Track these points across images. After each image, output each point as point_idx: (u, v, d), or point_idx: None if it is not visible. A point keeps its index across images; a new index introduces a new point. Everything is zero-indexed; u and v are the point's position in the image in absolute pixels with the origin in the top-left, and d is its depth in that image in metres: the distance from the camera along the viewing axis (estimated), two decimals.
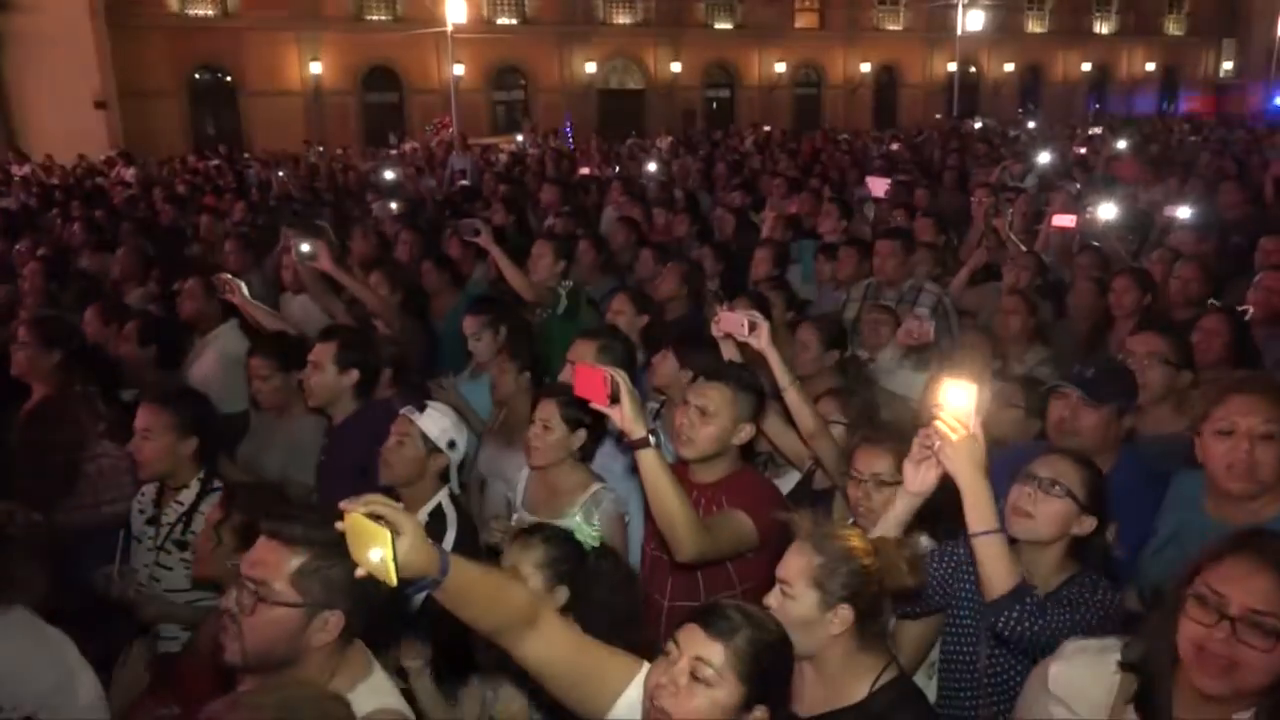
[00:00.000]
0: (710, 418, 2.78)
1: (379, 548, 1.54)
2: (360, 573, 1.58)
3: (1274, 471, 2.37)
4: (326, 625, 1.88)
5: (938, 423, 2.07)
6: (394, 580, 1.55)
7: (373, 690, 1.96)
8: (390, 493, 3.09)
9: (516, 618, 1.81)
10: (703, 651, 1.74)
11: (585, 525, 2.57)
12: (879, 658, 2.09)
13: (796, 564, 2.04)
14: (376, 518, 1.57)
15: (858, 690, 2.05)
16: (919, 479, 2.19)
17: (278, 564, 1.87)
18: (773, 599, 2.05)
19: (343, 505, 1.60)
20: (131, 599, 2.93)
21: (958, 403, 2.04)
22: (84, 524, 3.63)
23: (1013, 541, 2.22)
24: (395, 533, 1.56)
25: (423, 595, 2.03)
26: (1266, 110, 31.52)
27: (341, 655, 1.95)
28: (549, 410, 3.09)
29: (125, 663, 2.52)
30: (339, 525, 1.59)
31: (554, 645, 1.84)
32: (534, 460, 3.15)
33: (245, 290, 4.65)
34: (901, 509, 2.25)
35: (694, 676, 1.73)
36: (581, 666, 1.88)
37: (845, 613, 2.00)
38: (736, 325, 3.15)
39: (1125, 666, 1.82)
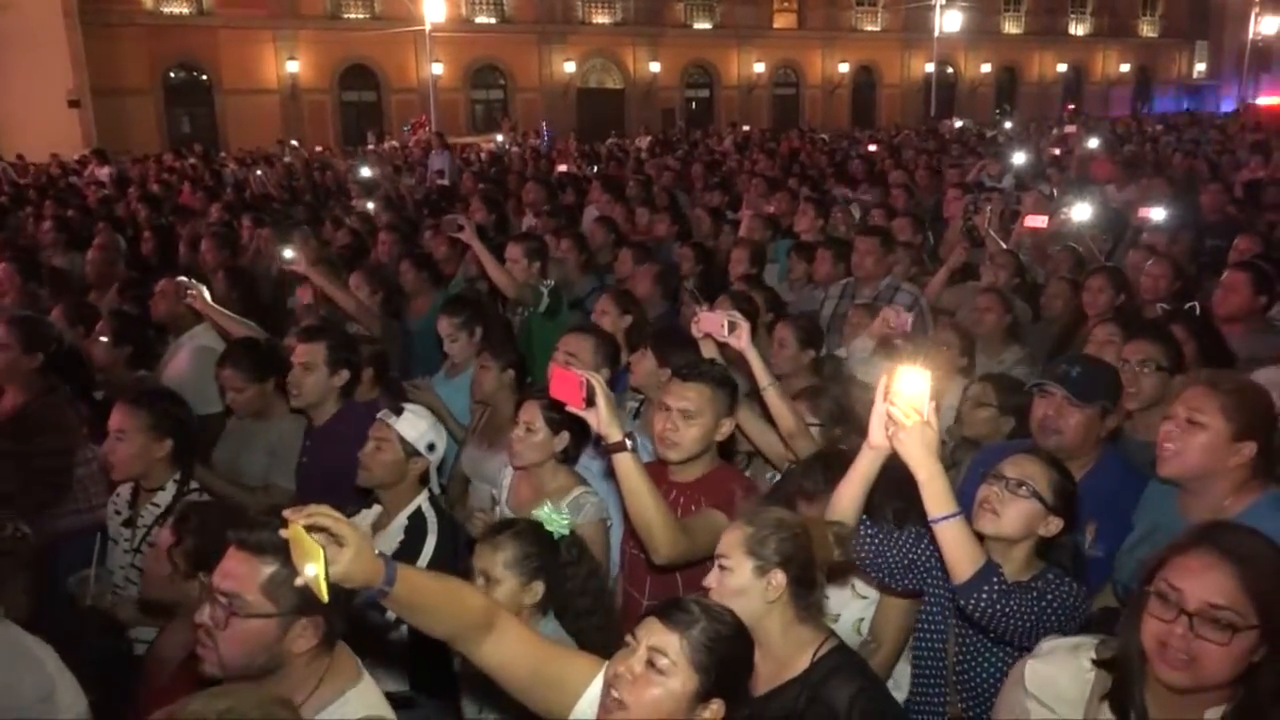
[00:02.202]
0: (693, 418, 2.79)
1: (313, 563, 1.55)
2: (299, 583, 1.59)
3: (1201, 454, 2.43)
4: (305, 631, 1.86)
5: (892, 409, 2.08)
6: (325, 598, 1.56)
7: (361, 697, 1.95)
8: (370, 494, 3.11)
9: (471, 623, 1.81)
10: (658, 641, 1.77)
11: (554, 514, 2.56)
12: (817, 631, 2.17)
13: (731, 537, 2.16)
14: (322, 528, 1.58)
15: (800, 663, 2.12)
16: (883, 434, 2.17)
17: (248, 575, 1.84)
18: (711, 578, 2.14)
19: (286, 514, 1.59)
20: (107, 603, 2.90)
21: (911, 389, 2.05)
22: (74, 528, 3.60)
23: (982, 540, 2.24)
24: (338, 544, 1.57)
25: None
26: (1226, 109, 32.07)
27: (328, 661, 1.93)
28: (532, 412, 3.08)
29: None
30: (282, 533, 1.59)
31: (512, 649, 1.85)
32: (516, 461, 3.14)
33: (207, 294, 4.60)
34: (865, 465, 2.25)
35: (649, 665, 1.75)
36: (541, 669, 1.88)
37: (779, 578, 2.09)
38: (716, 325, 3.16)
39: (1099, 664, 1.84)
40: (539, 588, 2.45)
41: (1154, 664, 1.68)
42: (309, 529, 1.57)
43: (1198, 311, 4.18)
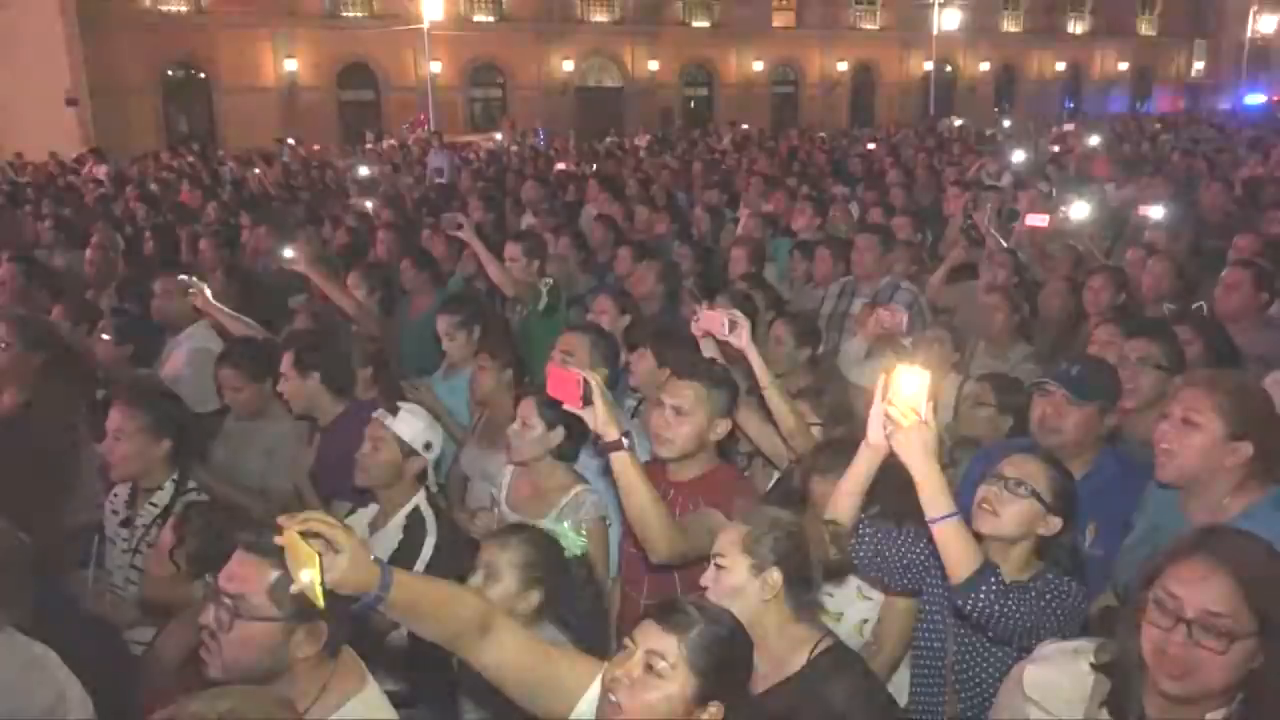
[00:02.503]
0: (685, 416, 2.79)
1: (308, 569, 1.55)
2: (294, 589, 1.58)
3: (1196, 454, 2.42)
4: (309, 636, 1.86)
5: (890, 409, 2.08)
6: (320, 604, 1.56)
7: (365, 704, 1.94)
8: (368, 494, 3.11)
9: (468, 626, 1.80)
10: (656, 644, 1.76)
11: (572, 533, 2.58)
12: (814, 630, 2.18)
13: (728, 537, 2.18)
14: (317, 534, 1.57)
15: (797, 661, 2.13)
16: (881, 433, 2.17)
17: (254, 577, 1.84)
18: (707, 577, 2.15)
19: (281, 521, 1.59)
20: (106, 604, 2.89)
21: (909, 389, 2.05)
22: (80, 525, 3.59)
23: (981, 539, 2.23)
24: (334, 550, 1.57)
25: None
26: (1238, 108, 31.93)
27: (332, 667, 1.93)
28: (528, 408, 3.09)
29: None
30: (277, 540, 1.59)
31: (510, 652, 1.84)
32: (514, 457, 3.15)
33: (208, 292, 4.60)
34: (863, 465, 2.26)
35: (648, 669, 1.75)
36: (540, 671, 1.87)
37: (775, 576, 2.10)
38: (717, 324, 3.16)
39: (1097, 668, 1.83)
40: (535, 598, 2.44)
41: (1153, 672, 1.68)
42: (304, 535, 1.56)
43: (1205, 311, 4.16)
